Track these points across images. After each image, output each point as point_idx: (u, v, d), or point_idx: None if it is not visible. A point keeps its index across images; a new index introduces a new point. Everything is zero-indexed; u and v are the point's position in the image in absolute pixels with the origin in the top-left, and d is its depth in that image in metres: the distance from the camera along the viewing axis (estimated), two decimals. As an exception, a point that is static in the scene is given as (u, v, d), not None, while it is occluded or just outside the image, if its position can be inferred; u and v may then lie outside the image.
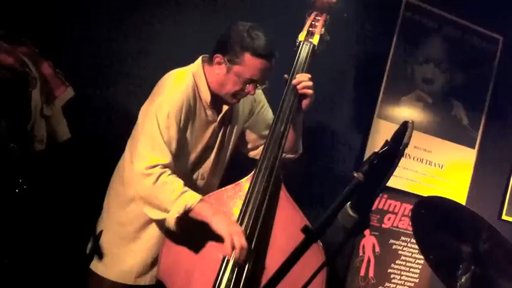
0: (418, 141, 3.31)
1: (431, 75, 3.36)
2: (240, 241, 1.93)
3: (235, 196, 2.15)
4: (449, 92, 3.41)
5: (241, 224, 2.04)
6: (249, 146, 2.42)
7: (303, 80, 2.15)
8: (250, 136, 2.41)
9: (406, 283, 3.37)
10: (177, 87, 2.11)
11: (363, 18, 3.11)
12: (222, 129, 2.26)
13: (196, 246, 2.10)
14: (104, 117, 2.54)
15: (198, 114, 2.17)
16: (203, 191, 2.16)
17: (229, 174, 2.36)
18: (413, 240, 3.23)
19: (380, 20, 3.17)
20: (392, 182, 3.11)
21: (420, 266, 3.38)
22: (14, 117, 2.01)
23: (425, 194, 3.21)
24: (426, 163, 3.38)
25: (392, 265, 3.34)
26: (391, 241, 3.33)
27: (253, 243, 2.03)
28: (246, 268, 2.00)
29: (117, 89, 2.58)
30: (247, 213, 2.06)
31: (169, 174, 2.01)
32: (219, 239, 1.98)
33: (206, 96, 2.17)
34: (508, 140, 3.59)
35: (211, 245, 2.06)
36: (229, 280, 1.99)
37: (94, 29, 2.51)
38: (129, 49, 2.59)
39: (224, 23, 2.60)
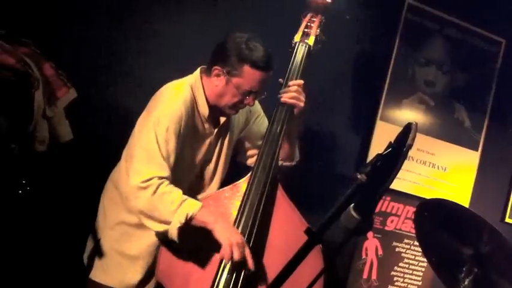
0: (421, 143, 3.30)
1: (433, 77, 3.36)
2: (240, 253, 1.93)
3: (233, 197, 2.16)
4: (451, 95, 3.41)
5: (239, 225, 2.05)
6: (246, 155, 2.42)
7: (288, 91, 2.17)
8: (246, 146, 2.41)
9: (409, 286, 3.36)
10: (176, 100, 2.09)
11: (364, 20, 3.11)
12: (219, 141, 2.26)
13: (194, 247, 2.09)
14: (104, 117, 2.53)
15: (195, 128, 2.16)
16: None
17: (227, 175, 2.35)
18: (416, 243, 3.22)
19: (382, 22, 3.17)
20: (396, 185, 3.11)
21: (423, 269, 3.37)
22: (15, 118, 2.01)
23: (428, 197, 3.19)
24: (429, 165, 3.37)
25: (395, 267, 3.33)
26: (394, 243, 3.32)
27: (251, 243, 2.02)
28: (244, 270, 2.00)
29: (117, 89, 2.58)
30: (245, 214, 2.06)
31: (167, 185, 1.98)
32: (218, 241, 1.98)
33: (204, 110, 2.16)
34: (510, 142, 3.58)
35: (209, 246, 2.05)
36: (227, 281, 1.99)
37: (94, 29, 2.51)
38: (129, 49, 2.59)
39: (224, 23, 2.60)
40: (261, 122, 2.40)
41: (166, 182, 1.98)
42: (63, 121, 2.24)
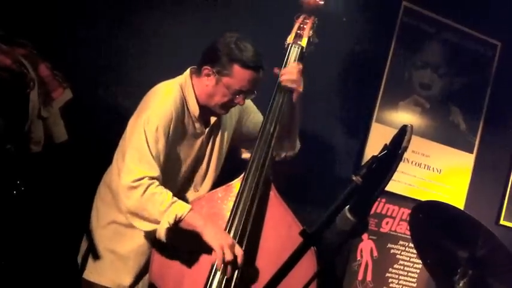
0: (416, 145, 3.31)
1: (428, 80, 3.37)
2: (231, 255, 1.93)
3: (227, 197, 2.16)
4: (447, 97, 3.42)
5: (231, 225, 2.05)
6: (241, 150, 2.41)
7: (287, 73, 2.18)
8: (243, 145, 2.40)
9: (403, 287, 3.37)
10: (166, 100, 2.09)
11: (361, 22, 3.12)
12: (210, 140, 2.26)
13: (187, 248, 2.09)
14: (101, 118, 2.53)
15: (186, 127, 2.16)
16: None
17: (221, 176, 2.35)
18: (411, 245, 3.23)
19: (378, 25, 3.18)
20: (391, 187, 3.12)
21: (418, 271, 3.38)
22: (10, 119, 2.00)
23: (423, 199, 3.20)
24: (424, 168, 3.38)
25: (390, 269, 3.33)
26: (389, 245, 3.32)
27: (244, 244, 2.03)
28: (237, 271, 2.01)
29: (114, 90, 2.57)
30: (238, 215, 2.06)
31: (158, 186, 1.99)
32: (208, 245, 1.98)
33: (194, 110, 2.16)
34: (505, 144, 3.59)
35: (202, 248, 2.04)
36: (220, 282, 2.00)
37: (93, 29, 2.51)
38: (129, 49, 2.58)
39: (224, 23, 2.60)
40: (255, 121, 2.39)
41: (157, 182, 1.99)
42: (58, 121, 2.24)
